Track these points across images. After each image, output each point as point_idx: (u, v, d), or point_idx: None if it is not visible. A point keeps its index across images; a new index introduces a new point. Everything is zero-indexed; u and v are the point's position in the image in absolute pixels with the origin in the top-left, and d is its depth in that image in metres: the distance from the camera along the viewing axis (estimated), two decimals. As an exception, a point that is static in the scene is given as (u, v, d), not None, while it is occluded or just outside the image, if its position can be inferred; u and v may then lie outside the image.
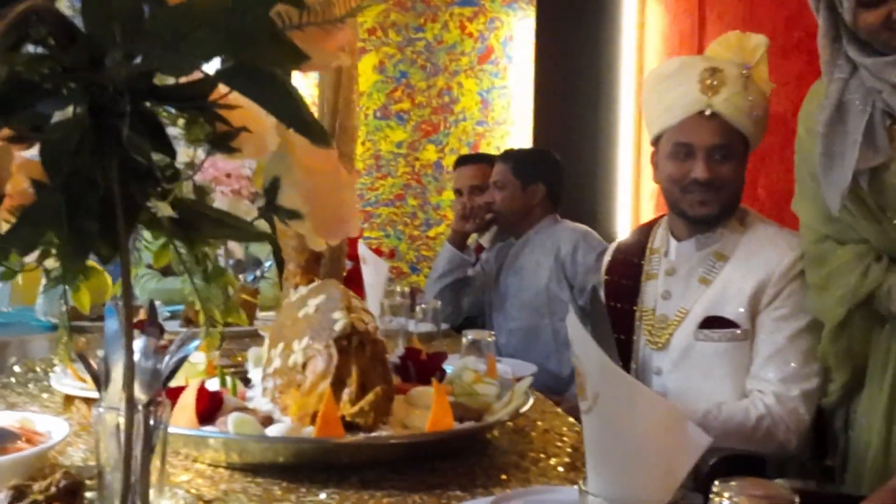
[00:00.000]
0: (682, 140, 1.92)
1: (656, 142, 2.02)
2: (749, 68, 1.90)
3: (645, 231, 2.18)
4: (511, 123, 4.79)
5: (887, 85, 1.53)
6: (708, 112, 1.87)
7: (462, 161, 3.63)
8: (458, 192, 3.49)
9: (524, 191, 3.14)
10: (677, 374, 1.93)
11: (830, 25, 1.64)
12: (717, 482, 0.64)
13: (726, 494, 0.62)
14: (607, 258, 2.26)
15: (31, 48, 0.51)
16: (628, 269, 2.13)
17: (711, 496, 0.63)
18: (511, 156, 3.29)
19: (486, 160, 3.53)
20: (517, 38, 4.76)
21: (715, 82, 1.87)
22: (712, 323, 1.88)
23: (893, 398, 1.66)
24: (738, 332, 1.85)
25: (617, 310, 2.11)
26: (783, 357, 1.81)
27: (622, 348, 2.09)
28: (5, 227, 0.57)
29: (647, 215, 4.32)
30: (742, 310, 1.86)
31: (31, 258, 0.60)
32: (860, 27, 1.59)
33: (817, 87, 1.73)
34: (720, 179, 1.89)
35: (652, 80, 2.06)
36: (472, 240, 3.74)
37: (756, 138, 1.95)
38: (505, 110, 4.78)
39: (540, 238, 3.13)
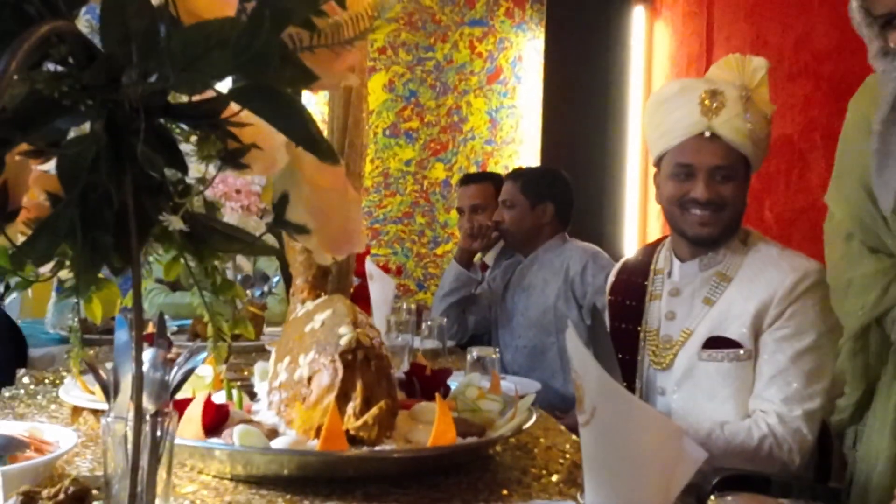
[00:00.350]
0: (682, 161, 1.94)
1: (658, 163, 2.04)
2: (749, 90, 1.91)
3: (649, 252, 2.18)
4: (519, 143, 4.81)
5: None
6: (708, 134, 1.89)
7: (465, 180, 3.64)
8: (460, 210, 3.51)
9: (533, 210, 3.15)
10: (681, 394, 1.94)
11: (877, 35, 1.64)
12: (713, 497, 0.65)
13: (721, 509, 0.63)
14: (612, 278, 2.27)
15: (51, 66, 0.53)
16: (633, 289, 2.13)
17: (707, 511, 0.64)
18: (520, 175, 3.30)
19: (489, 179, 3.54)
20: (526, 58, 4.79)
21: (715, 104, 1.89)
22: (716, 343, 1.89)
23: None
24: (742, 352, 1.86)
25: (621, 330, 2.12)
26: (785, 377, 1.82)
27: (627, 368, 2.09)
28: (21, 238, 0.59)
29: (655, 235, 4.33)
30: (745, 330, 1.86)
31: (45, 269, 0.61)
32: (892, 46, 1.60)
33: (871, 80, 1.72)
34: (721, 199, 1.91)
35: (653, 102, 2.08)
36: (476, 258, 3.75)
37: (757, 160, 1.96)
38: (513, 129, 4.80)
39: (548, 257, 3.13)
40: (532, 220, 3.15)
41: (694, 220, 1.92)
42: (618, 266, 2.30)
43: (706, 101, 1.90)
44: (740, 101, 1.90)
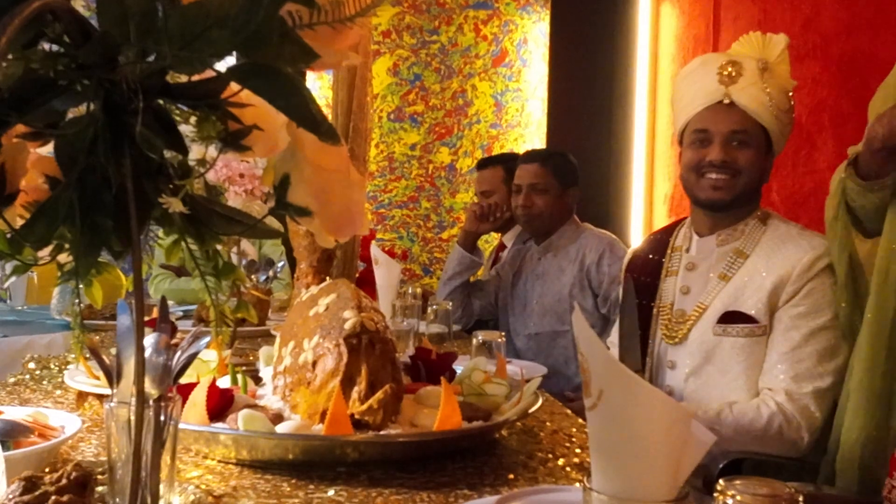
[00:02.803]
0: (700, 127, 1.97)
1: (681, 138, 2.05)
2: (767, 63, 1.93)
3: (669, 230, 2.20)
4: (525, 126, 4.79)
5: None
6: (727, 101, 1.92)
7: (478, 165, 3.62)
8: (477, 194, 3.50)
9: (563, 194, 3.12)
10: (693, 369, 1.94)
11: None
12: (721, 481, 0.64)
13: (730, 492, 0.63)
14: (628, 256, 2.28)
15: (46, 46, 0.52)
16: (650, 266, 2.15)
17: (716, 494, 0.64)
18: (549, 157, 3.21)
19: (500, 162, 3.49)
20: (531, 41, 4.77)
21: (733, 73, 1.93)
22: (731, 318, 1.89)
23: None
24: (756, 327, 1.86)
25: (636, 306, 2.13)
26: (798, 354, 1.81)
27: (639, 343, 2.11)
28: (20, 222, 0.58)
29: (660, 219, 4.32)
30: (761, 305, 1.86)
31: (44, 253, 0.61)
32: None
33: None
34: (735, 164, 1.92)
35: (678, 79, 2.12)
36: (494, 238, 3.73)
37: (778, 134, 1.96)
38: (519, 113, 4.79)
39: (563, 244, 3.10)
40: (561, 205, 3.12)
41: (708, 183, 1.95)
42: (636, 245, 2.31)
43: (724, 72, 1.94)
44: (758, 72, 1.92)
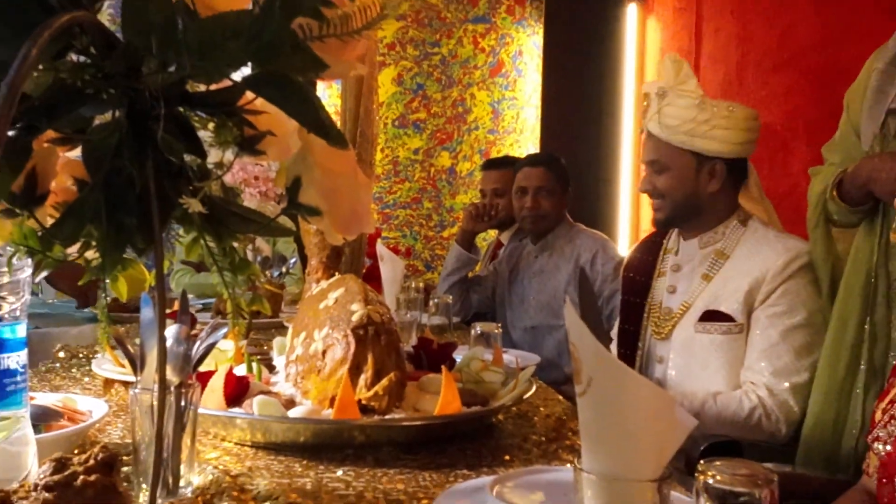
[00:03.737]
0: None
1: None
2: (665, 88, 1.95)
3: (664, 233, 2.20)
4: (520, 132, 4.78)
5: None
6: (644, 133, 1.97)
7: (488, 165, 3.56)
8: (483, 193, 3.45)
9: (563, 195, 3.12)
10: (677, 363, 1.94)
11: None
12: (702, 462, 0.64)
13: (710, 472, 0.63)
14: (627, 257, 2.29)
15: (74, 57, 0.52)
16: (644, 266, 2.16)
17: (697, 474, 0.64)
18: (551, 161, 3.18)
19: (511, 164, 3.40)
20: (526, 53, 4.76)
21: (645, 105, 1.97)
22: (711, 316, 1.89)
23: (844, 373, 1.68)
24: (734, 325, 1.86)
25: (630, 303, 2.14)
26: (776, 351, 1.81)
27: (631, 338, 2.11)
28: (50, 221, 0.58)
29: (646, 219, 4.32)
30: (738, 305, 1.86)
31: (73, 250, 0.60)
32: None
33: (888, 44, 1.73)
34: (655, 189, 1.98)
35: None
36: (491, 235, 3.72)
37: (708, 144, 1.92)
38: (514, 120, 4.78)
39: (559, 243, 3.09)
40: (562, 206, 3.13)
41: (652, 206, 2.01)
42: (635, 246, 2.32)
43: (643, 105, 1.99)
44: (657, 99, 1.94)
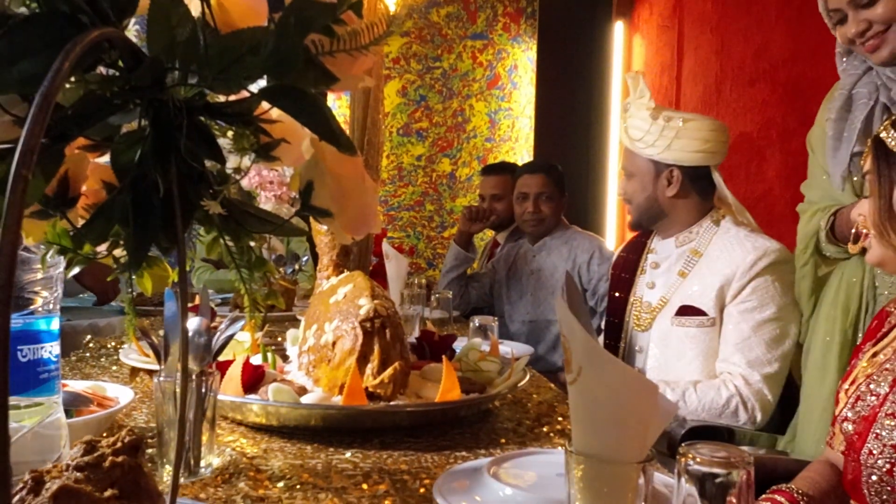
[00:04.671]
0: None
1: None
2: (628, 103, 2.01)
3: (648, 233, 2.20)
4: (515, 140, 4.78)
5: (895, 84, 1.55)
6: (622, 144, 2.04)
7: (487, 170, 3.52)
8: (481, 197, 3.44)
9: (561, 200, 3.12)
10: (655, 353, 1.95)
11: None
12: (683, 445, 0.64)
13: (691, 455, 0.62)
14: (615, 255, 2.29)
15: (103, 70, 0.52)
16: (629, 264, 2.17)
17: (678, 457, 0.64)
18: (550, 169, 3.16)
19: (509, 170, 3.40)
20: (521, 67, 4.76)
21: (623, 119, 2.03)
22: (686, 311, 1.90)
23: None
24: (706, 319, 1.86)
25: (616, 298, 2.15)
26: (748, 344, 1.81)
27: (615, 330, 2.11)
28: (81, 221, 0.58)
29: (631, 220, 4.31)
30: (710, 301, 1.86)
31: (102, 248, 0.60)
32: (841, 42, 1.62)
33: (832, 91, 1.74)
34: (626, 194, 2.04)
35: None
36: (488, 236, 3.71)
37: (663, 153, 1.94)
38: (510, 129, 4.78)
39: (556, 244, 3.09)
40: (560, 210, 3.13)
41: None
42: (622, 246, 2.32)
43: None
44: (623, 113, 2.01)
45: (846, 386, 1.24)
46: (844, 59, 1.67)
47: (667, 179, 1.96)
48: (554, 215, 3.07)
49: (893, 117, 1.20)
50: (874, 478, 1.11)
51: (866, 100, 1.58)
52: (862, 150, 1.59)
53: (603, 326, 2.20)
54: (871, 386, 1.17)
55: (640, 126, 1.93)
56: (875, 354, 1.22)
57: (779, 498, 1.20)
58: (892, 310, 1.25)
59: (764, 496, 1.24)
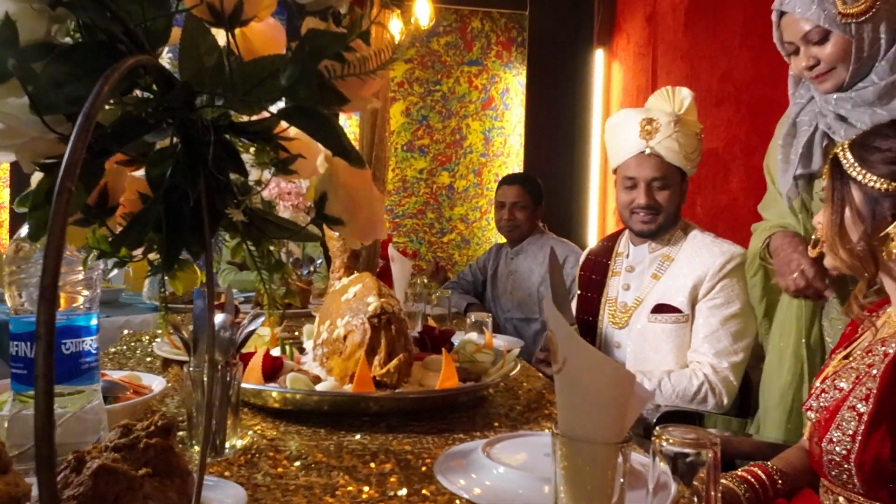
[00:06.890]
0: (628, 175, 1.95)
1: (615, 173, 2.04)
2: (677, 115, 1.90)
3: (613, 238, 2.19)
4: (506, 156, 4.78)
5: (831, 113, 1.54)
6: (647, 152, 1.90)
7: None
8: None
9: (536, 209, 3.10)
10: (633, 347, 1.94)
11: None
12: (657, 428, 0.64)
13: (664, 437, 0.62)
14: (582, 259, 2.27)
15: (139, 93, 0.52)
16: (598, 266, 2.14)
17: (653, 438, 0.63)
18: (525, 180, 3.14)
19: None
20: (512, 90, 4.76)
21: (650, 129, 1.89)
22: (661, 309, 1.89)
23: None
24: (681, 315, 1.86)
25: (587, 298, 2.12)
26: (716, 336, 1.81)
27: (589, 328, 2.09)
28: (119, 228, 0.58)
29: (612, 228, 4.31)
30: (684, 299, 1.86)
31: (138, 252, 0.60)
32: (793, 70, 1.61)
33: (782, 118, 1.74)
34: (658, 204, 1.92)
35: (608, 126, 2.08)
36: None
37: (691, 168, 1.95)
38: (502, 145, 4.78)
39: (532, 249, 3.08)
40: (535, 218, 3.11)
41: (638, 219, 1.95)
42: (587, 250, 2.30)
43: (644, 127, 1.90)
44: (670, 126, 1.89)
45: (817, 382, 1.24)
46: (794, 88, 1.68)
47: (685, 190, 1.97)
48: (528, 222, 3.06)
49: (853, 138, 1.20)
50: (834, 461, 1.11)
51: (807, 127, 1.59)
52: (804, 172, 1.59)
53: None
54: (836, 381, 1.17)
55: (686, 142, 1.88)
56: (847, 357, 1.22)
57: (756, 470, 1.22)
58: (864, 317, 1.25)
59: (744, 468, 1.25)
